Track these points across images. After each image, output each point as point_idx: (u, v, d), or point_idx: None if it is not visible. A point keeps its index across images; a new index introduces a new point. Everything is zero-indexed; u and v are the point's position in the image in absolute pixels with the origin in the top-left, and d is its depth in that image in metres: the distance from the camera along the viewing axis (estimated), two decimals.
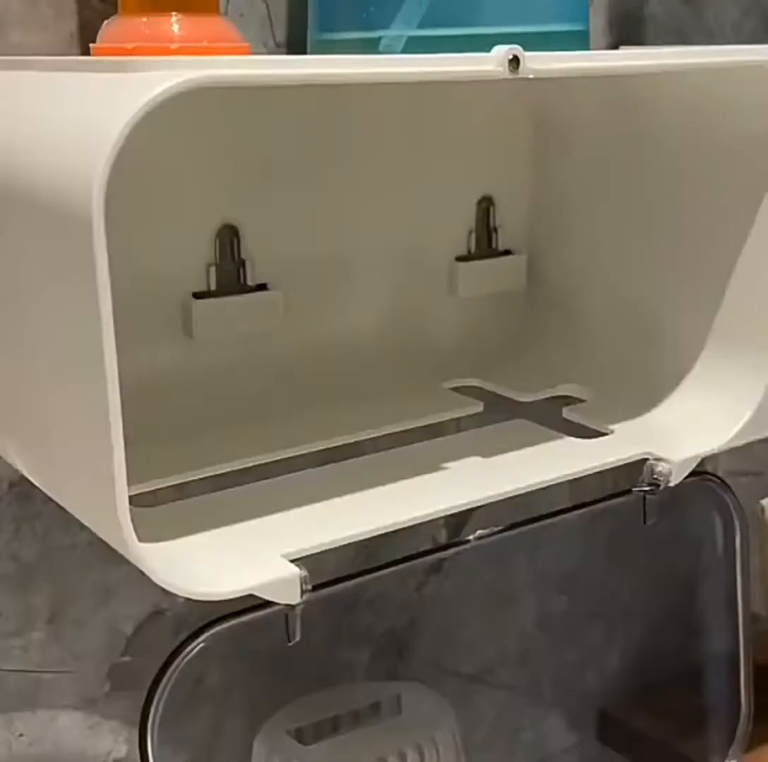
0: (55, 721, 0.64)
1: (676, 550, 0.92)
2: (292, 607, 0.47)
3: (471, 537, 0.62)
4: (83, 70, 0.44)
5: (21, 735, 0.63)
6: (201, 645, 0.52)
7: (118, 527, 0.41)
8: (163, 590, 0.65)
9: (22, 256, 0.43)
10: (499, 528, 0.62)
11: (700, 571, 0.94)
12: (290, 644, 0.50)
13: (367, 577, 0.66)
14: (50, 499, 0.59)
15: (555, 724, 0.88)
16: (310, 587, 0.46)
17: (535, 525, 0.70)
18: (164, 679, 0.53)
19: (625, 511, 0.86)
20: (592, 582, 0.87)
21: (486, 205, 0.67)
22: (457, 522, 0.75)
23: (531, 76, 0.46)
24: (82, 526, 0.61)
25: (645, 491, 0.58)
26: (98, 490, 0.41)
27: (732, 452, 0.92)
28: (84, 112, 0.40)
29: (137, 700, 0.66)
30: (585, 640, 0.89)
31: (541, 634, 0.85)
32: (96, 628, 0.64)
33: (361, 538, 0.49)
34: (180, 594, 0.42)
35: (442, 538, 0.76)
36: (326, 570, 0.53)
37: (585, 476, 0.57)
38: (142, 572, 0.64)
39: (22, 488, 0.59)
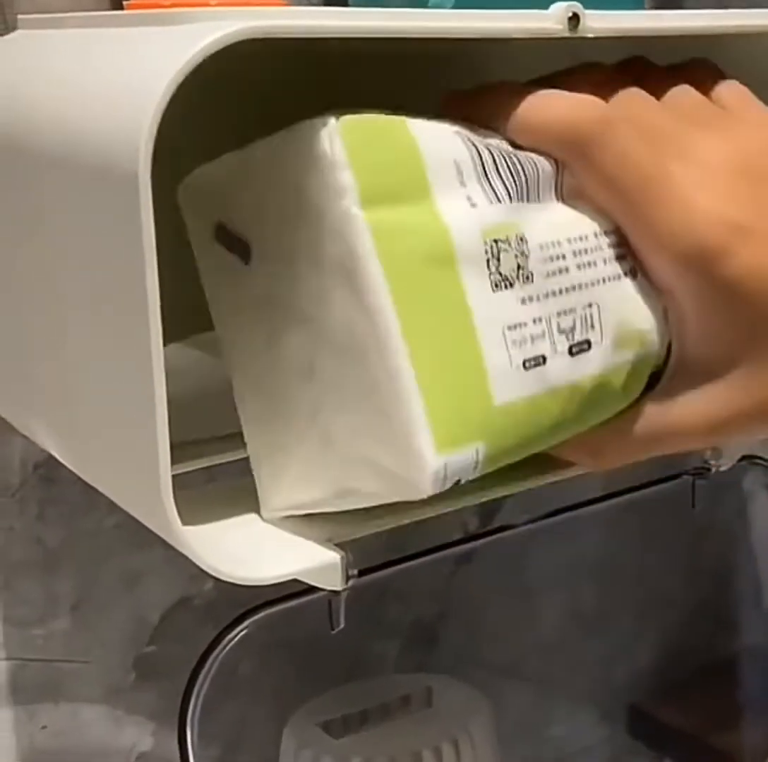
0: (78, 713, 0.62)
1: (715, 539, 0.90)
2: (336, 593, 0.45)
3: (516, 522, 0.60)
4: (122, 25, 0.41)
5: (44, 727, 0.61)
6: (243, 632, 0.50)
7: (162, 509, 0.38)
8: (190, 577, 0.64)
9: (59, 222, 0.41)
10: (541, 515, 0.60)
11: (739, 560, 0.92)
12: (333, 632, 0.48)
13: (397, 567, 0.64)
14: (75, 482, 0.57)
15: (585, 717, 0.87)
16: (356, 572, 0.44)
17: (572, 514, 0.69)
18: (205, 667, 0.50)
19: (661, 498, 0.84)
20: (626, 572, 0.85)
21: None
22: (488, 510, 0.73)
23: (590, 35, 0.44)
24: (109, 510, 0.59)
25: (695, 475, 0.56)
26: (139, 471, 0.39)
27: (766, 441, 0.91)
28: (128, 66, 0.38)
29: (163, 691, 0.64)
30: (616, 632, 0.87)
31: (572, 626, 0.83)
32: (121, 616, 0.62)
33: (405, 522, 0.47)
34: (224, 578, 0.40)
35: (473, 526, 0.74)
36: (354, 561, 0.52)
37: None
38: (168, 559, 0.62)
39: (47, 470, 0.57)
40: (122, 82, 0.37)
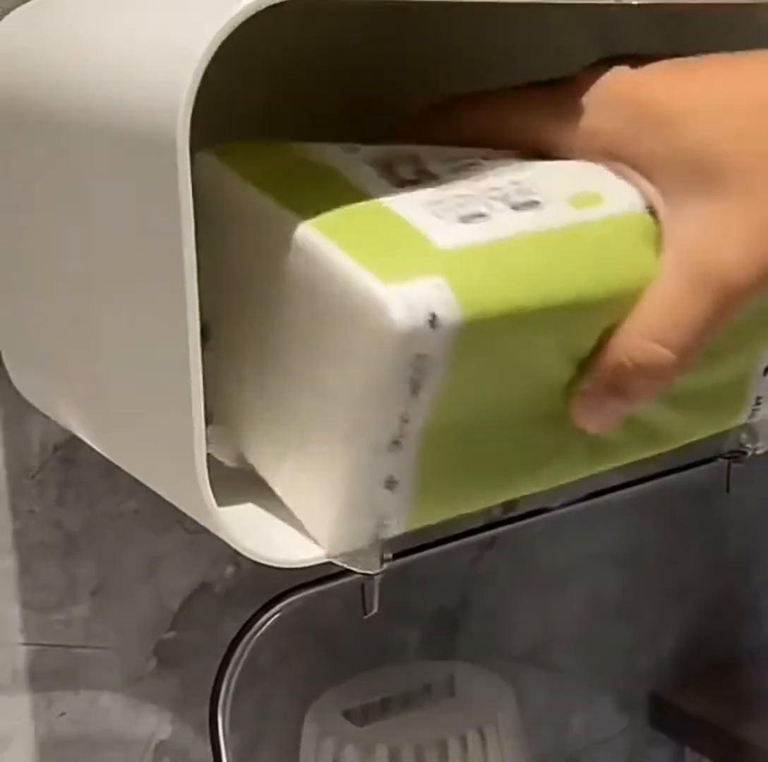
0: (97, 700, 0.61)
1: (739, 528, 0.89)
2: (370, 577, 0.43)
3: (552, 505, 0.58)
4: None
5: (62, 714, 0.60)
6: (277, 615, 0.48)
7: (198, 491, 0.37)
8: (211, 563, 0.62)
9: (92, 194, 0.39)
10: (579, 497, 0.58)
11: (763, 549, 0.91)
12: (366, 617, 0.46)
13: (419, 554, 0.63)
14: (95, 464, 0.56)
15: (606, 706, 0.85)
16: (390, 555, 0.43)
17: (598, 500, 0.67)
18: (236, 652, 0.49)
19: (687, 486, 0.83)
20: (649, 561, 0.84)
21: None
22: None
23: (636, 2, 0.43)
24: (129, 494, 0.58)
25: (731, 458, 0.54)
26: (174, 453, 0.38)
27: None
28: (164, 28, 0.37)
29: (184, 678, 0.63)
30: (639, 620, 0.86)
31: (595, 615, 0.82)
32: (141, 601, 0.61)
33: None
34: (260, 561, 0.39)
35: (497, 512, 0.73)
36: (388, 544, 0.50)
37: None
38: (189, 543, 0.61)
39: (66, 452, 0.56)
40: (158, 45, 0.36)
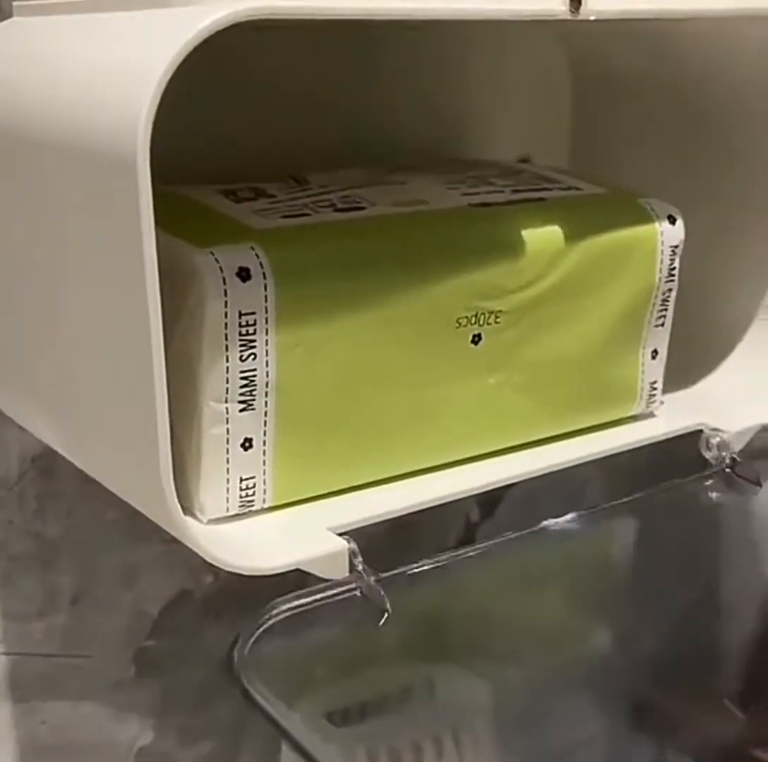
0: (78, 707, 0.61)
1: (718, 532, 0.90)
2: (379, 580, 0.45)
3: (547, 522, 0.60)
4: (120, 9, 0.41)
5: (43, 722, 0.60)
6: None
7: (163, 499, 0.38)
8: (190, 571, 0.63)
9: (57, 209, 0.40)
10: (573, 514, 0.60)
11: (742, 554, 0.91)
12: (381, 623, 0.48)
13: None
14: (74, 475, 0.57)
15: (587, 709, 0.86)
16: (360, 561, 0.43)
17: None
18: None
19: (668, 492, 0.83)
20: (628, 563, 0.85)
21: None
22: (491, 499, 0.73)
23: (592, 18, 0.43)
24: (108, 503, 0.59)
25: (730, 466, 0.56)
26: (140, 461, 0.39)
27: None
28: (125, 50, 0.38)
29: (163, 685, 0.64)
30: (618, 623, 0.86)
31: (574, 617, 0.83)
32: (120, 610, 0.61)
33: (412, 511, 0.47)
34: (227, 569, 0.40)
35: (475, 516, 0.74)
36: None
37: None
38: (167, 552, 0.62)
39: (45, 463, 0.57)
40: (119, 66, 0.37)
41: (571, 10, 0.42)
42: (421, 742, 0.64)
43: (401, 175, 0.52)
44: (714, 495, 0.62)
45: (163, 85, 0.33)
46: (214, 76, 0.49)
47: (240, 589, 0.62)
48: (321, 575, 0.43)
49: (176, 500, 0.38)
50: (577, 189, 0.53)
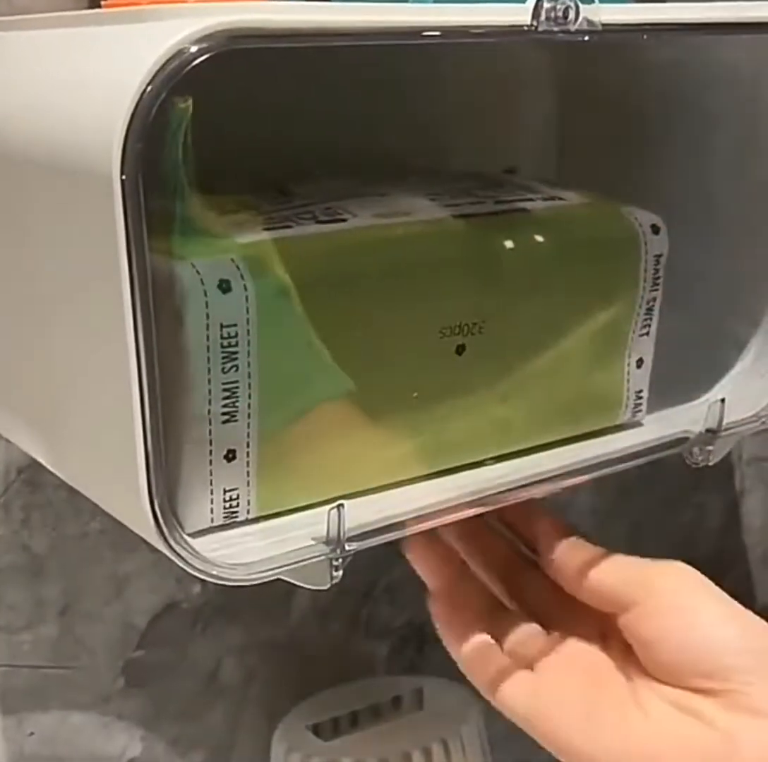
0: (67, 719, 0.61)
1: (707, 535, 0.90)
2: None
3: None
4: (99, 24, 0.41)
5: (31, 734, 0.61)
6: None
7: (143, 511, 0.38)
8: (178, 581, 0.63)
9: (39, 225, 0.40)
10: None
11: (731, 557, 0.91)
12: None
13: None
14: (60, 486, 0.57)
15: None
16: (341, 572, 0.43)
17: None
18: None
19: (649, 495, 0.83)
20: None
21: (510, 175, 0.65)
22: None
23: (572, 29, 0.43)
24: (94, 515, 0.59)
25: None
26: (120, 472, 0.39)
27: (758, 438, 0.91)
28: (103, 65, 0.38)
29: (152, 696, 0.64)
30: None
31: None
32: (109, 621, 0.61)
33: (394, 521, 0.47)
34: (207, 579, 0.40)
35: None
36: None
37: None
38: (155, 563, 0.62)
39: (30, 474, 0.57)
40: (97, 81, 0.37)
41: (533, 26, 0.42)
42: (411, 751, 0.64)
43: (383, 186, 0.52)
44: None
45: (136, 100, 0.34)
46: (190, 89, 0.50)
47: (228, 600, 0.63)
48: (303, 585, 0.43)
49: (157, 512, 0.38)
50: (561, 199, 0.53)
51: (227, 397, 0.42)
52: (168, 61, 0.34)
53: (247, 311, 0.41)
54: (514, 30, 0.42)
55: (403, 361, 0.46)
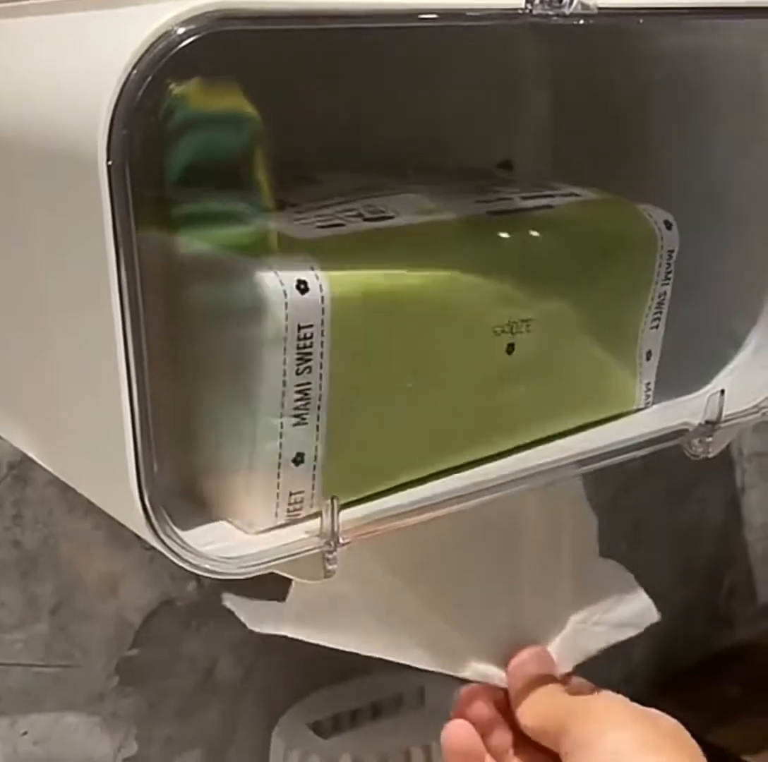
0: (61, 718, 0.61)
1: (709, 533, 0.90)
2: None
3: None
4: (83, 9, 0.40)
5: (25, 733, 0.60)
6: None
7: (132, 506, 0.37)
8: (172, 578, 0.62)
9: (31, 216, 0.40)
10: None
11: (732, 554, 0.91)
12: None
13: None
14: (51, 482, 0.57)
15: None
16: (335, 566, 0.43)
17: None
18: None
19: (650, 491, 0.83)
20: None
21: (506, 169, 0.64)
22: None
23: (566, 12, 0.43)
24: (87, 511, 0.58)
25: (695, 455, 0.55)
26: (111, 467, 0.38)
27: (759, 434, 0.91)
28: (87, 50, 0.37)
29: (147, 695, 0.63)
30: None
31: None
32: (103, 619, 0.61)
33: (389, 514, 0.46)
34: (200, 573, 0.39)
35: None
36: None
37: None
38: (149, 560, 0.61)
39: (22, 470, 0.56)
40: (85, 65, 0.36)
41: (527, 9, 0.42)
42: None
43: (396, 181, 0.51)
44: None
45: (122, 82, 0.33)
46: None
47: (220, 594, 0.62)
48: (296, 578, 0.42)
49: (147, 506, 0.38)
50: (576, 195, 0.53)
51: (299, 400, 0.41)
52: (154, 43, 0.34)
53: (323, 312, 0.40)
54: (508, 13, 0.41)
55: (459, 359, 0.46)
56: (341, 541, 0.42)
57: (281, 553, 0.41)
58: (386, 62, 0.58)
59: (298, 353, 0.40)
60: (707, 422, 0.54)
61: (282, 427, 0.41)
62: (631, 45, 0.59)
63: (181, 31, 0.34)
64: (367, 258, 0.43)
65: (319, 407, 0.42)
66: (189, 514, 0.43)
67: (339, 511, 0.42)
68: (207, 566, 0.40)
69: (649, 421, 0.56)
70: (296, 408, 0.41)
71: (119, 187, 0.34)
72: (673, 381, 0.58)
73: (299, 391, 0.41)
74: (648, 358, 0.54)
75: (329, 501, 0.42)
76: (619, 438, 0.53)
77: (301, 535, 0.43)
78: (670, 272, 0.53)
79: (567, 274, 0.49)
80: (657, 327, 0.54)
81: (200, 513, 0.44)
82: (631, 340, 0.53)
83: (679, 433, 0.54)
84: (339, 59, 0.57)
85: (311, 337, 0.40)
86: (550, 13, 0.42)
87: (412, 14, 0.39)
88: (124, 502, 0.38)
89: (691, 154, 0.59)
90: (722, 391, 0.53)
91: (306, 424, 0.42)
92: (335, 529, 0.42)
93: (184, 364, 0.42)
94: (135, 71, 0.33)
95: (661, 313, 0.54)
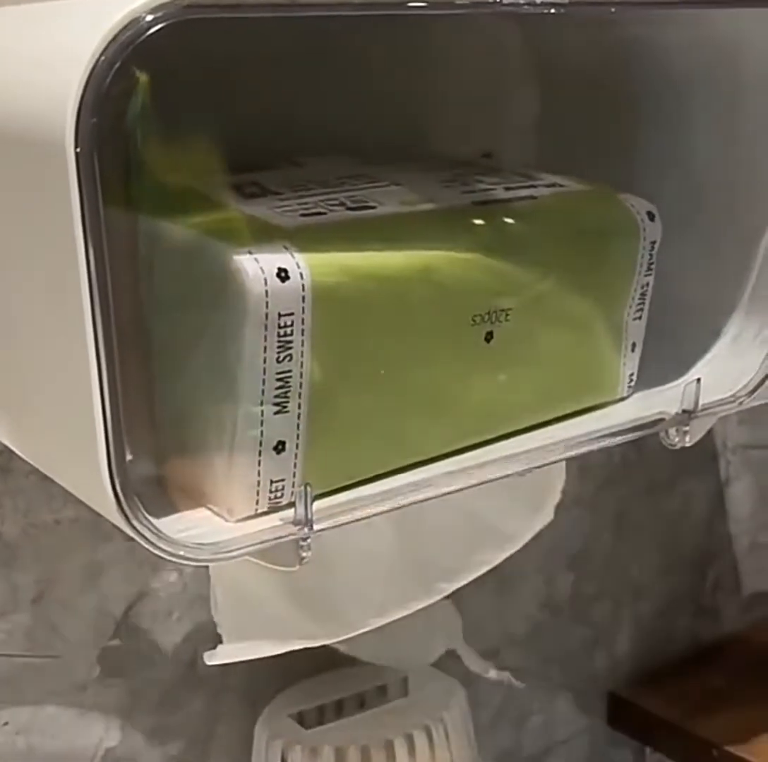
0: (42, 709, 0.61)
1: (692, 526, 0.90)
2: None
3: None
4: None
5: (6, 724, 0.60)
6: None
7: (104, 493, 0.37)
8: (153, 569, 0.62)
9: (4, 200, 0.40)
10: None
11: (716, 548, 0.91)
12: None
13: None
14: (32, 472, 0.57)
15: (564, 706, 0.86)
16: (309, 553, 0.43)
17: None
18: None
19: (634, 484, 0.83)
20: (602, 560, 0.85)
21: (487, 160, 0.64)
22: None
23: (552, 11, 0.43)
24: (66, 501, 0.58)
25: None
26: (85, 456, 0.38)
27: (744, 426, 0.91)
28: (61, 36, 0.37)
29: (129, 685, 0.63)
30: (594, 620, 0.86)
31: (550, 615, 0.83)
32: (83, 610, 0.61)
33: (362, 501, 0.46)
34: (176, 561, 0.39)
35: None
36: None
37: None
38: (130, 550, 0.61)
39: (1, 460, 0.56)
40: (54, 53, 0.37)
41: None
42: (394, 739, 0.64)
43: (382, 169, 0.51)
44: None
45: (89, 69, 0.33)
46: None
47: (204, 587, 0.62)
48: (271, 565, 0.42)
49: (119, 493, 0.38)
50: (560, 185, 0.53)
51: (280, 387, 0.41)
52: (122, 30, 0.34)
53: (303, 299, 0.41)
54: (479, 2, 0.41)
55: (438, 347, 0.46)
56: (315, 528, 0.42)
57: (255, 539, 0.41)
58: (368, 52, 0.58)
59: (279, 341, 0.40)
60: (684, 411, 0.54)
61: (263, 415, 0.41)
62: (614, 37, 0.59)
63: (149, 18, 0.34)
64: (348, 247, 0.43)
65: (300, 395, 0.42)
66: (170, 502, 0.44)
67: (313, 499, 0.42)
68: (181, 553, 0.40)
69: (628, 410, 0.56)
70: (277, 396, 0.41)
71: (87, 174, 0.34)
72: (651, 371, 0.58)
73: (280, 379, 0.41)
74: (632, 350, 0.55)
75: (302, 488, 0.42)
76: (597, 427, 0.53)
77: (275, 522, 0.43)
78: (652, 263, 0.53)
79: (549, 263, 0.49)
80: (640, 318, 0.54)
81: (182, 501, 0.44)
82: (616, 330, 0.53)
83: (656, 422, 0.54)
84: (320, 48, 0.57)
85: (291, 325, 0.41)
86: (521, 1, 0.42)
87: (376, 3, 0.39)
88: (97, 490, 0.38)
89: (674, 145, 0.60)
90: (698, 380, 0.54)
91: (287, 411, 0.42)
92: (309, 516, 0.42)
93: (165, 353, 0.43)
94: (103, 58, 0.33)
95: (643, 304, 0.54)
